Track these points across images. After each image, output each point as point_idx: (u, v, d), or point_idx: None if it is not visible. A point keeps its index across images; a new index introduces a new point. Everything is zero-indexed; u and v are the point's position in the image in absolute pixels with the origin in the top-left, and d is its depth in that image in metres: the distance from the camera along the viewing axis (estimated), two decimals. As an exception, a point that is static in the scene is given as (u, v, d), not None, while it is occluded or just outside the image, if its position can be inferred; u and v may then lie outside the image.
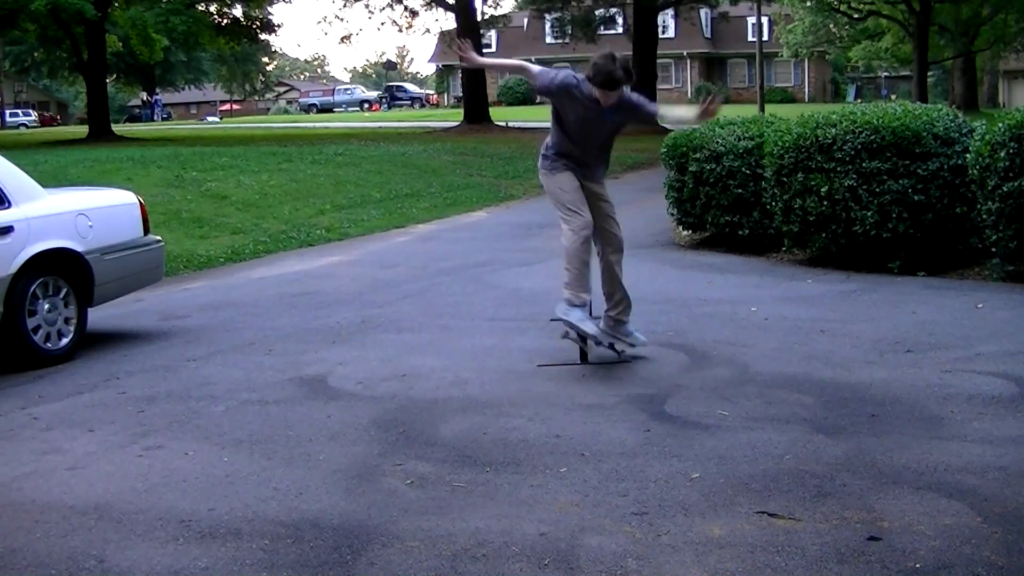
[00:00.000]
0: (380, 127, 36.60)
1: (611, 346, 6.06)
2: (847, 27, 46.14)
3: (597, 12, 35.69)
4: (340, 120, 47.71)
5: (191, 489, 4.23)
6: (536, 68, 5.98)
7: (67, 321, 6.95)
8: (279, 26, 57.96)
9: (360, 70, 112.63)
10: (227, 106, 74.62)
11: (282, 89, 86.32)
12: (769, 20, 50.73)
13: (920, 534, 3.49)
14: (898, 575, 3.22)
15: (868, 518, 3.65)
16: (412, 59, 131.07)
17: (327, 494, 4.11)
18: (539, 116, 40.52)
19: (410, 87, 72.10)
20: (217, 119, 62.84)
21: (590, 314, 5.90)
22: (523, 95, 59.48)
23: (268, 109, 77.77)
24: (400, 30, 59.54)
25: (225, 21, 33.86)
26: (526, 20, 55.54)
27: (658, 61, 35.17)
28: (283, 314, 8.07)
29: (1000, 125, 7.96)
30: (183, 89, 71.61)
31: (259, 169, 18.19)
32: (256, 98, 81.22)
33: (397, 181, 18.03)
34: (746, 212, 10.39)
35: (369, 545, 3.60)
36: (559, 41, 45.31)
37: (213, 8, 34.30)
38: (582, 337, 5.93)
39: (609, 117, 5.70)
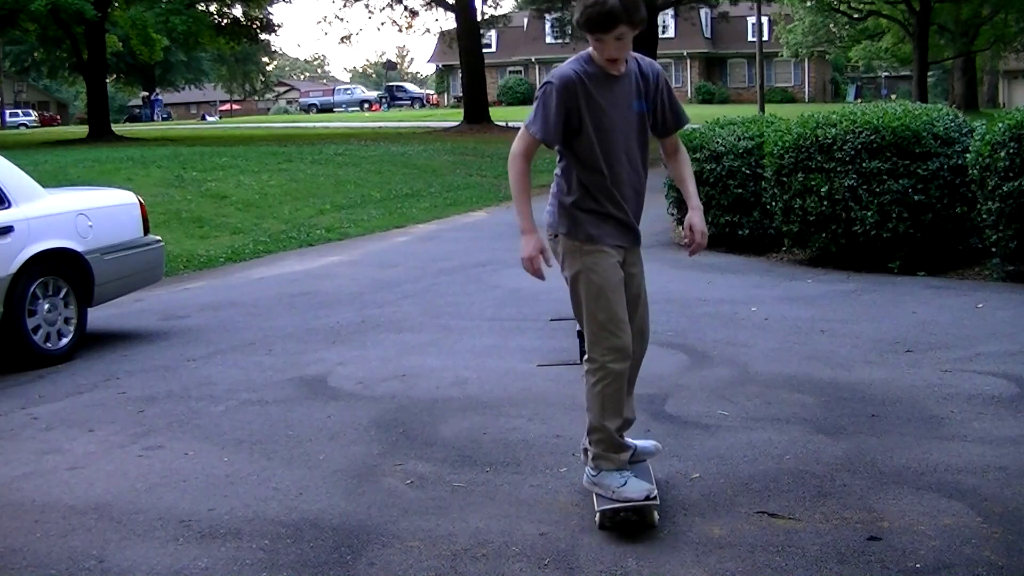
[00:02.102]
0: (380, 127, 36.59)
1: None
2: (847, 27, 46.15)
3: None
4: (340, 120, 47.70)
5: (191, 489, 4.23)
6: (532, 132, 3.68)
7: (67, 321, 6.95)
8: (279, 26, 58.02)
9: (360, 70, 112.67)
10: (227, 106, 74.61)
11: (282, 89, 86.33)
12: (769, 20, 50.72)
13: (920, 534, 3.49)
14: (898, 575, 3.22)
15: (868, 518, 3.65)
16: (412, 59, 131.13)
17: (327, 494, 4.11)
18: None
19: (410, 87, 72.10)
20: (216, 118, 62.88)
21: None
22: (523, 95, 59.51)
23: (268, 109, 77.76)
24: (400, 30, 59.73)
25: (225, 21, 33.86)
26: (526, 20, 55.57)
27: (658, 61, 35.11)
28: (283, 314, 8.07)
29: (1000, 125, 7.96)
30: (183, 89, 71.60)
31: (259, 169, 18.20)
32: (256, 98, 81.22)
33: (397, 181, 18.03)
34: (746, 212, 10.39)
35: (369, 545, 3.59)
36: (559, 41, 45.31)
37: (213, 8, 34.31)
38: (639, 511, 3.68)
39: (637, 103, 3.71)
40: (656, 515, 3.65)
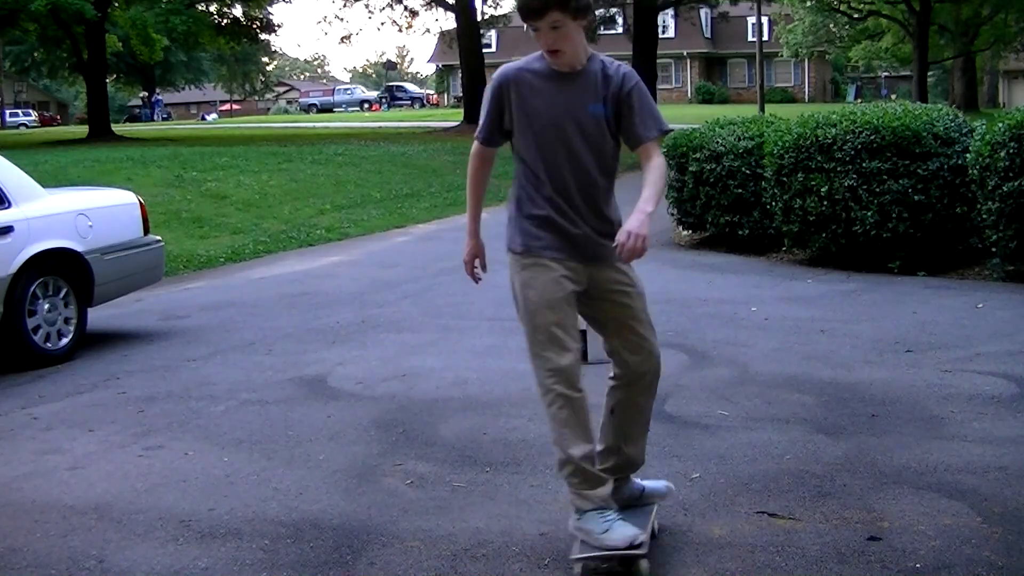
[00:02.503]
0: (380, 127, 36.59)
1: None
2: (847, 27, 46.14)
3: (597, 12, 35.65)
4: (340, 120, 47.70)
5: (191, 489, 4.23)
6: (480, 135, 3.57)
7: (67, 321, 6.95)
8: (279, 26, 58.02)
9: (360, 70, 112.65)
10: (227, 106, 74.59)
11: (282, 89, 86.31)
12: (769, 20, 50.71)
13: (920, 534, 3.49)
14: (898, 575, 3.22)
15: (868, 518, 3.65)
16: (412, 59, 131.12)
17: (327, 494, 4.10)
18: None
19: (410, 87, 72.08)
20: (214, 116, 62.87)
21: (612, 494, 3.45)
22: (523, 95, 59.43)
23: (268, 109, 77.75)
24: (400, 30, 59.67)
25: (225, 21, 33.85)
26: (526, 20, 55.49)
27: (658, 61, 35.16)
28: (283, 314, 8.07)
29: (1000, 125, 7.96)
30: (183, 89, 71.60)
31: (259, 169, 18.20)
32: (256, 98, 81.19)
33: (397, 181, 18.03)
34: (746, 212, 10.40)
35: (369, 545, 3.59)
36: (559, 41, 45.26)
37: (213, 8, 34.30)
38: (625, 560, 3.27)
39: (593, 106, 3.37)
40: (645, 565, 3.25)
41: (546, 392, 3.36)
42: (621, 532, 3.23)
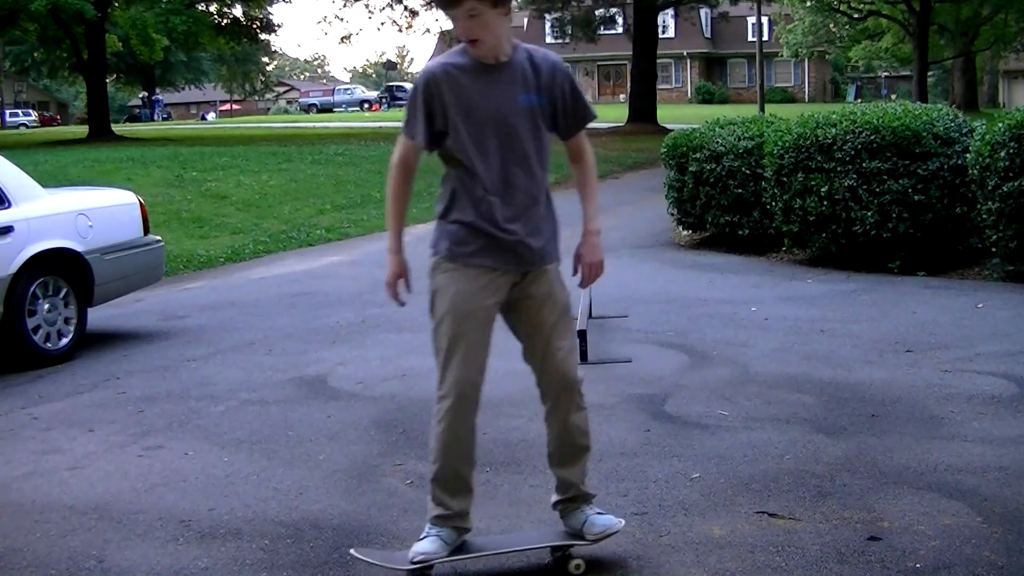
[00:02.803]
0: (380, 127, 36.56)
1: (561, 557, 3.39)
2: (847, 27, 46.12)
3: (597, 12, 35.67)
4: (340, 120, 47.69)
5: (191, 489, 4.23)
6: (405, 135, 3.39)
7: (67, 321, 6.95)
8: (279, 26, 57.98)
9: (360, 70, 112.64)
10: (227, 106, 74.60)
11: (282, 89, 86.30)
12: (769, 20, 50.70)
13: (920, 534, 3.49)
14: (898, 575, 3.22)
15: (868, 518, 3.65)
16: (412, 59, 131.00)
17: (327, 494, 4.10)
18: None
19: (410, 87, 71.86)
20: (213, 116, 62.87)
21: (459, 532, 3.33)
22: (523, 95, 59.43)
23: (268, 109, 77.76)
24: (400, 30, 59.60)
25: (225, 21, 33.83)
26: (526, 20, 55.54)
27: (658, 61, 35.16)
28: (283, 314, 8.07)
29: (1000, 125, 7.96)
30: (183, 89, 71.59)
31: (259, 169, 18.20)
32: (256, 98, 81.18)
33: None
34: (746, 212, 10.40)
35: (369, 545, 3.59)
36: (559, 41, 45.26)
37: (213, 8, 34.28)
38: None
39: (524, 96, 3.23)
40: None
41: (439, 404, 3.27)
42: (420, 547, 3.23)
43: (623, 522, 3.41)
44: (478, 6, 3.10)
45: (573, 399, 3.38)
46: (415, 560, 3.20)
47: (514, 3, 46.51)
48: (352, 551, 3.36)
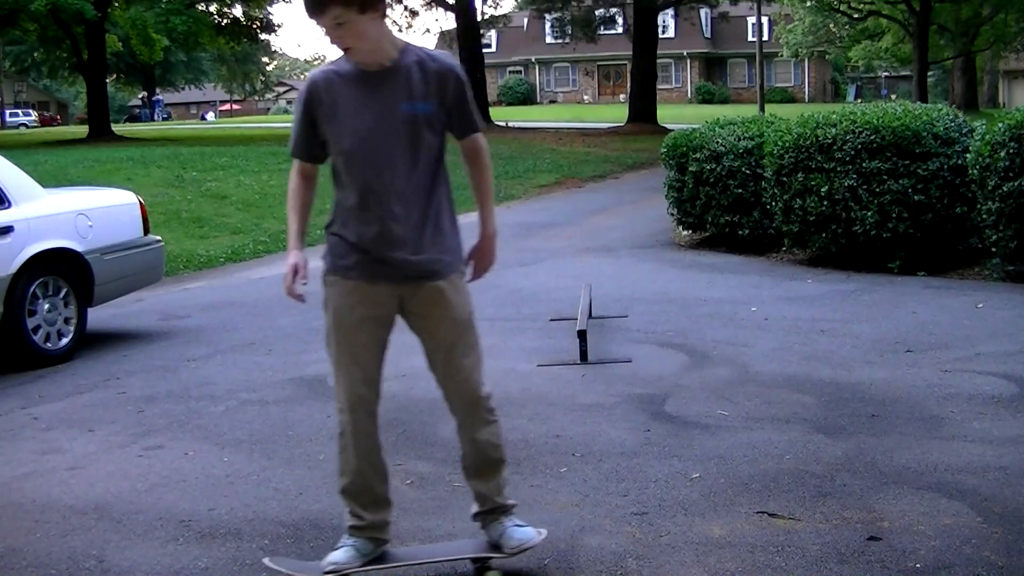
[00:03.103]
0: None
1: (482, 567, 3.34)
2: (847, 27, 46.13)
3: (597, 12, 35.70)
4: (340, 120, 47.58)
5: (191, 489, 4.23)
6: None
7: (67, 321, 6.95)
8: (279, 26, 57.97)
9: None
10: (227, 106, 74.61)
11: (282, 89, 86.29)
12: (769, 20, 50.72)
13: (920, 534, 3.49)
14: (898, 575, 3.22)
15: (868, 518, 3.65)
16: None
17: (327, 494, 4.10)
18: (540, 116, 40.60)
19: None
20: (213, 116, 62.87)
21: (376, 543, 3.31)
22: (523, 95, 59.53)
23: (268, 109, 77.79)
24: (400, 30, 59.57)
25: (225, 21, 33.84)
26: (526, 20, 55.58)
27: (658, 61, 35.16)
28: (283, 314, 8.07)
29: (1000, 125, 7.96)
30: (183, 89, 71.61)
31: (259, 169, 18.20)
32: (256, 98, 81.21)
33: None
34: (746, 212, 10.40)
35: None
36: (559, 41, 45.34)
37: (213, 8, 34.29)
38: None
39: (408, 104, 3.09)
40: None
41: (337, 413, 3.30)
42: (334, 556, 3.24)
43: (544, 533, 3.34)
44: (344, 13, 2.95)
45: (479, 415, 3.29)
46: (327, 570, 3.18)
47: (514, 3, 46.48)
48: (265, 560, 3.31)
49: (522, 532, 3.30)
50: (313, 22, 3.02)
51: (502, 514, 3.34)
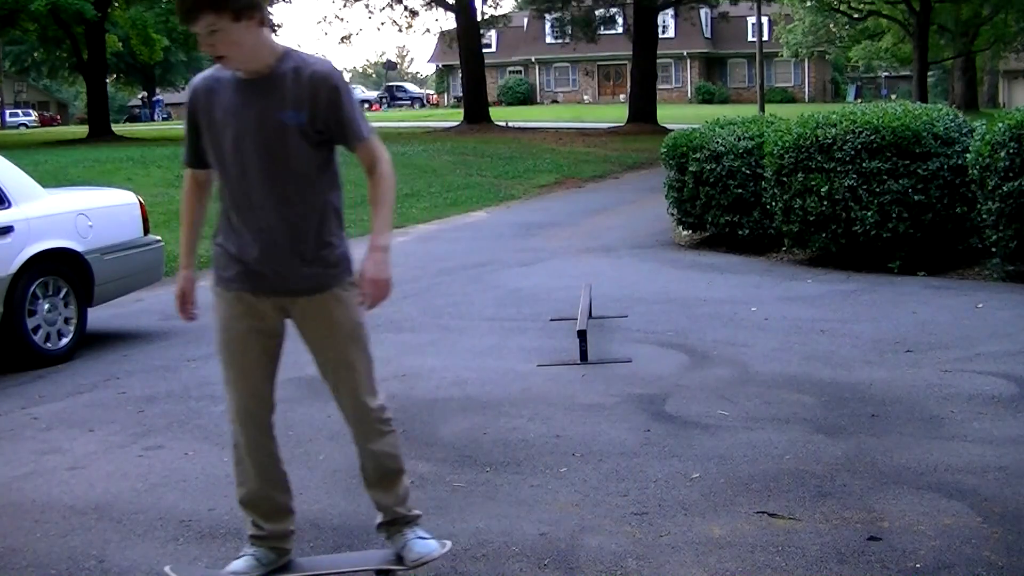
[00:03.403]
0: (380, 127, 36.50)
1: None
2: (847, 27, 46.12)
3: (597, 12, 35.69)
4: (340, 120, 47.59)
5: (191, 489, 4.23)
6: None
7: (67, 321, 6.95)
8: (279, 26, 57.89)
9: (360, 70, 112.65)
10: (227, 106, 74.53)
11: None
12: (769, 20, 50.70)
13: (920, 534, 3.49)
14: (898, 575, 3.22)
15: (868, 518, 3.65)
16: (412, 59, 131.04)
17: (327, 494, 4.10)
18: (540, 116, 40.60)
19: (410, 87, 72.07)
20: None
21: (278, 553, 3.28)
22: (523, 95, 59.52)
23: (268, 109, 77.67)
24: (400, 30, 59.68)
25: (225, 21, 33.83)
26: (526, 20, 55.57)
27: (658, 61, 35.16)
28: (283, 314, 8.07)
29: (1000, 125, 7.96)
30: (183, 89, 71.49)
31: (259, 169, 18.17)
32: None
33: (397, 181, 17.97)
34: (746, 212, 10.40)
35: (369, 545, 3.59)
36: (559, 41, 45.32)
37: (213, 8, 34.27)
38: None
39: (283, 113, 3.00)
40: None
41: (230, 423, 3.27)
42: (228, 567, 3.23)
43: (448, 545, 3.29)
44: (218, 21, 2.88)
45: (371, 427, 3.21)
46: None
47: (514, 3, 46.46)
48: (166, 568, 3.29)
49: (423, 545, 3.24)
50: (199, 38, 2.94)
51: (405, 525, 3.28)
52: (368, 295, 3.08)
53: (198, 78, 3.14)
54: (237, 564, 3.22)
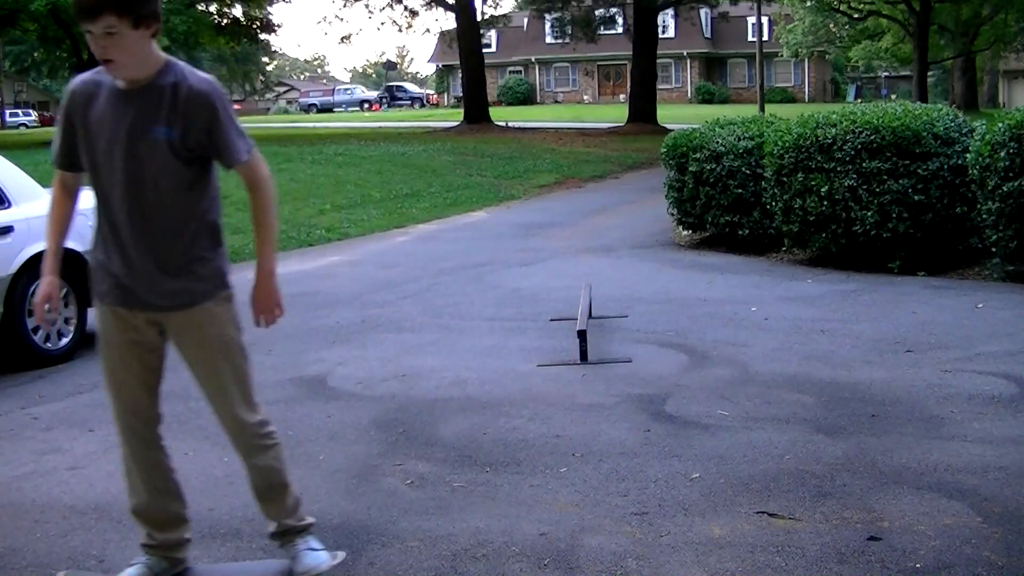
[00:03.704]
0: (380, 127, 36.60)
1: None
2: (847, 27, 46.14)
3: (597, 12, 35.70)
4: (340, 120, 47.71)
5: (191, 489, 4.20)
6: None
7: (67, 321, 6.95)
8: (279, 26, 58.00)
9: (360, 70, 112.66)
10: (227, 106, 74.56)
11: (282, 89, 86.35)
12: (769, 20, 50.72)
13: (920, 534, 3.49)
14: (898, 575, 3.22)
15: (868, 518, 3.65)
16: (412, 59, 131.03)
17: (327, 494, 4.10)
18: (540, 116, 40.61)
19: (410, 87, 72.13)
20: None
21: (172, 563, 3.28)
22: (523, 95, 59.53)
23: (268, 109, 77.82)
24: (400, 30, 59.70)
25: (225, 21, 33.87)
26: (526, 20, 55.59)
27: (658, 61, 35.16)
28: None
29: (1000, 125, 7.96)
30: (183, 89, 71.59)
31: (259, 169, 18.18)
32: (256, 98, 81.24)
33: (397, 181, 18.02)
34: (746, 212, 10.40)
35: (369, 545, 3.59)
36: (559, 41, 45.33)
37: (213, 8, 34.31)
38: None
39: (156, 128, 2.93)
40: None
41: (117, 435, 3.24)
42: (120, 574, 3.21)
43: (340, 557, 3.29)
44: (117, 24, 2.80)
45: (251, 442, 3.21)
46: None
47: (514, 3, 46.51)
48: (59, 575, 3.27)
49: (313, 556, 3.23)
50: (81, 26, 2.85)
51: (297, 535, 3.27)
52: (261, 319, 3.12)
53: (77, 81, 3.04)
54: (129, 572, 3.22)
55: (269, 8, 35.55)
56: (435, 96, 67.74)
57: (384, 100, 65.35)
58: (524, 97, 59.41)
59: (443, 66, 63.31)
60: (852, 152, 8.82)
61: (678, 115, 32.59)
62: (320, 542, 3.32)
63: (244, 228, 13.42)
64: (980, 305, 7.31)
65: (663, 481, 4.09)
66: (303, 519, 3.30)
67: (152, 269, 3.02)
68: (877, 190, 8.72)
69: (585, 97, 59.82)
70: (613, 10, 36.34)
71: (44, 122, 60.18)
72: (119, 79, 2.94)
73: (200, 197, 3.07)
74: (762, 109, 33.25)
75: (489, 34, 52.71)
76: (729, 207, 10.47)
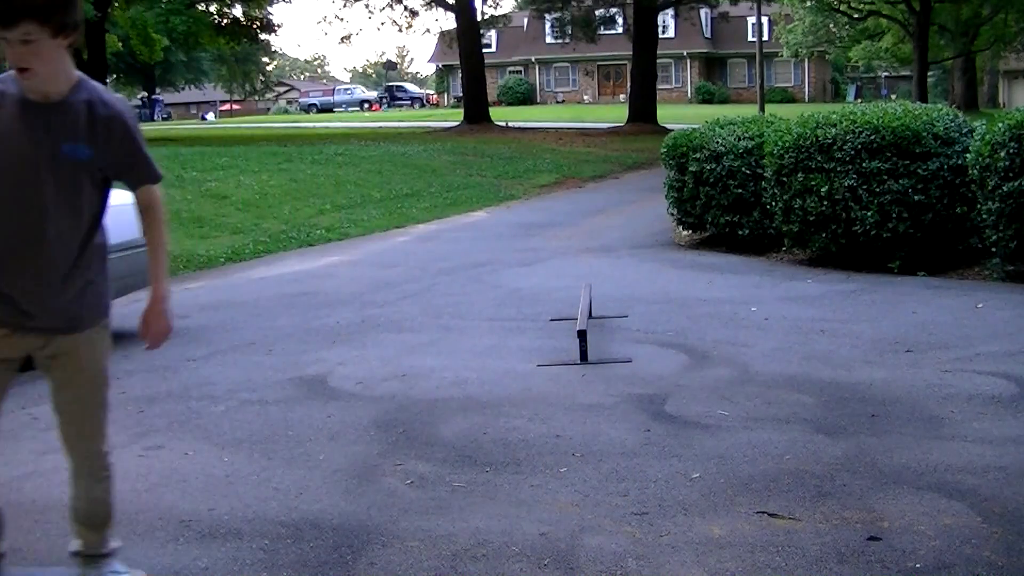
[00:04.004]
0: (380, 127, 36.61)
1: None
2: (847, 27, 46.15)
3: (597, 12, 35.73)
4: (340, 120, 47.72)
5: (191, 489, 4.23)
6: None
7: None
8: (279, 26, 58.07)
9: (360, 70, 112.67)
10: (227, 106, 74.64)
11: (282, 89, 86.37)
12: (769, 20, 50.73)
13: (920, 534, 3.49)
14: (898, 575, 3.22)
15: (868, 518, 3.65)
16: (412, 59, 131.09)
17: (327, 494, 4.10)
18: (540, 116, 40.61)
19: (410, 87, 72.18)
20: (212, 116, 62.88)
21: None
22: (523, 95, 59.55)
23: (268, 109, 77.82)
24: (400, 30, 59.66)
25: (225, 21, 33.88)
26: (526, 20, 55.61)
27: (658, 61, 35.17)
28: (283, 314, 8.07)
29: (1000, 125, 7.96)
30: (183, 89, 71.62)
31: (259, 169, 18.20)
32: (256, 98, 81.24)
33: (397, 181, 18.03)
34: (746, 212, 10.40)
35: (369, 545, 3.59)
36: (559, 41, 45.36)
37: (213, 8, 34.33)
38: None
39: (70, 146, 2.85)
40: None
41: None
42: None
43: None
44: (36, 31, 2.70)
45: (97, 472, 3.18)
46: None
47: (514, 3, 46.53)
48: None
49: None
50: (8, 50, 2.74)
51: (102, 559, 3.27)
52: (150, 342, 3.09)
53: None
54: None
55: (269, 8, 35.56)
56: (435, 96, 67.78)
57: (384, 100, 65.39)
58: (524, 97, 59.44)
59: (443, 66, 63.34)
60: (852, 152, 8.82)
61: (678, 115, 32.60)
62: (123, 564, 3.31)
63: (245, 228, 13.45)
64: (980, 305, 7.31)
65: (663, 481, 4.10)
66: (110, 545, 3.30)
67: (50, 290, 2.93)
68: (877, 190, 8.72)
69: (585, 97, 59.83)
70: (613, 10, 36.36)
71: None
72: (32, 90, 2.82)
73: (97, 219, 3.01)
74: (762, 109, 33.25)
75: (489, 34, 52.73)
76: (729, 207, 10.47)
